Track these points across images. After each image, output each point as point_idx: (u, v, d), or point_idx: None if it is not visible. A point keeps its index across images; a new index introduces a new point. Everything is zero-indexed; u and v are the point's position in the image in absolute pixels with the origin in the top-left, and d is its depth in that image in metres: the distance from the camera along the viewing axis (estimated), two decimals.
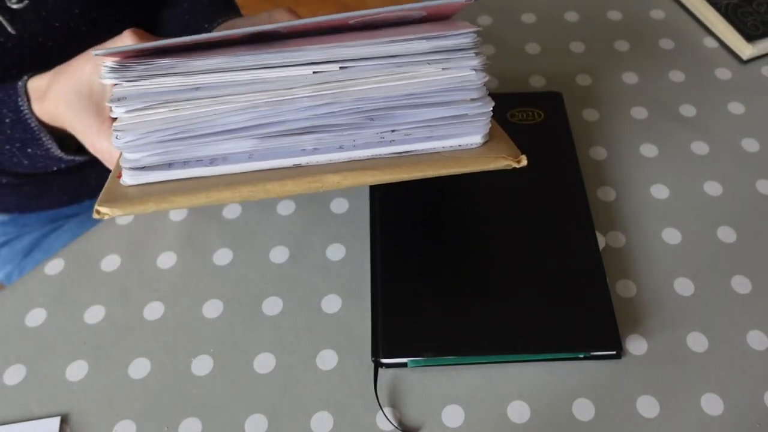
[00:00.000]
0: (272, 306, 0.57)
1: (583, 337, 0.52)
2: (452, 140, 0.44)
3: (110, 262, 0.60)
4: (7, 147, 0.55)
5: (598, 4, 0.79)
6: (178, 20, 0.67)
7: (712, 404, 0.51)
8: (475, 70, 0.43)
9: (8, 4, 0.55)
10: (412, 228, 0.58)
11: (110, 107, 0.42)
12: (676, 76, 0.72)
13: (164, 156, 0.42)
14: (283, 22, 0.42)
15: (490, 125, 0.45)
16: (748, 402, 0.51)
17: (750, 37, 0.72)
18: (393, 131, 0.44)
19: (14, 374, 0.54)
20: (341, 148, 0.43)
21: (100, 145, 0.50)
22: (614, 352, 0.52)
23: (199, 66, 0.41)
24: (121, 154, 0.43)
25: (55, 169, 0.59)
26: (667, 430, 0.50)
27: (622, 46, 0.75)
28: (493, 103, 0.44)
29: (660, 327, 0.55)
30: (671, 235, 0.60)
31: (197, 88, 0.41)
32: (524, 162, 0.44)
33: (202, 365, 0.54)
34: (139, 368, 0.54)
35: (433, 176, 0.44)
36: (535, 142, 0.64)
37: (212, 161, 0.43)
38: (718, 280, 0.58)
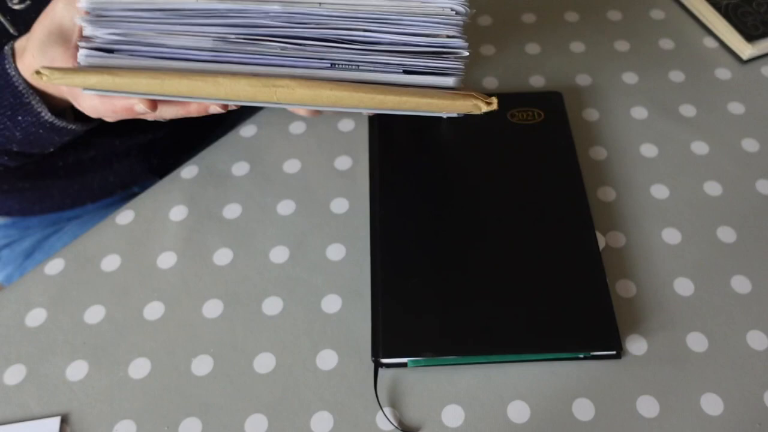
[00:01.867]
0: (272, 306, 0.57)
1: (583, 337, 0.52)
2: (424, 77, 0.43)
3: (110, 262, 0.60)
4: None
5: (598, 4, 0.79)
6: None
7: (712, 404, 0.51)
8: (454, 7, 0.42)
9: (10, 5, 0.55)
10: (412, 228, 0.58)
11: None
12: (676, 76, 0.72)
13: (123, 38, 0.42)
14: None
15: (463, 70, 0.44)
16: (748, 402, 0.51)
17: (750, 37, 0.72)
18: (365, 52, 0.42)
19: (14, 374, 0.54)
20: (307, 67, 0.42)
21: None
22: (614, 352, 0.53)
23: None
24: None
25: (51, 148, 0.57)
26: (667, 430, 0.50)
27: (622, 46, 0.75)
28: (467, 49, 0.43)
29: (660, 327, 0.55)
30: (671, 235, 0.60)
31: None
32: (494, 105, 0.43)
33: (202, 365, 0.54)
34: (139, 368, 0.54)
35: (395, 109, 0.42)
36: (535, 142, 0.64)
37: (171, 57, 0.43)
38: (718, 280, 0.58)
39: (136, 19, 0.43)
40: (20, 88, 0.51)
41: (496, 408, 0.51)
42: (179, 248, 0.61)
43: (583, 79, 0.72)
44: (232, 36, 0.42)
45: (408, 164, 0.63)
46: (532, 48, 0.75)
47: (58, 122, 0.53)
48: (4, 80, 0.51)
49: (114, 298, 0.58)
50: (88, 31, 0.43)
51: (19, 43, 0.51)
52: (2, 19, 0.55)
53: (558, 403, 0.52)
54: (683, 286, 0.57)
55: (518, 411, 0.51)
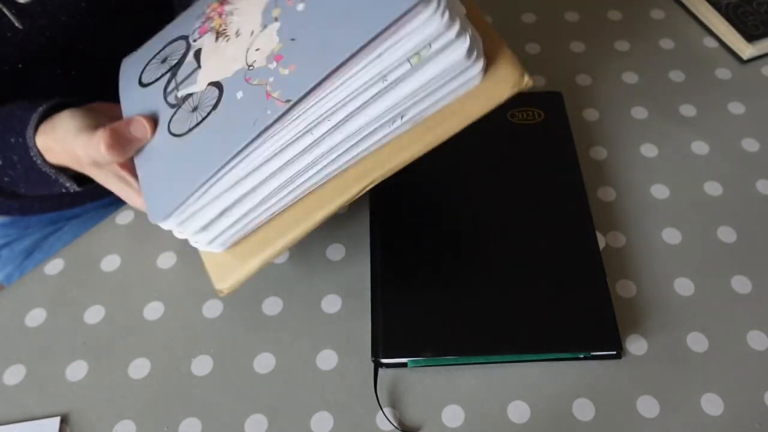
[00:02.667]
0: (272, 306, 0.57)
1: (583, 337, 0.52)
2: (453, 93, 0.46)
3: (110, 262, 0.60)
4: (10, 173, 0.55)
5: (598, 4, 0.79)
6: None
7: (712, 404, 0.51)
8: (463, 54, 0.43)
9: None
10: (412, 228, 0.58)
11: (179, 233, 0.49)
12: (676, 76, 0.72)
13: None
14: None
15: (483, 60, 0.45)
16: (748, 402, 0.51)
17: (750, 37, 0.72)
18: (402, 117, 0.46)
19: (14, 374, 0.54)
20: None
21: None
22: (614, 352, 0.52)
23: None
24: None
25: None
26: (667, 430, 0.50)
27: (622, 46, 0.75)
28: (478, 41, 0.45)
29: (660, 327, 0.55)
30: (671, 235, 0.60)
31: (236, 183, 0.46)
32: (530, 83, 0.46)
33: (202, 365, 0.54)
34: (139, 368, 0.54)
35: (456, 131, 0.47)
36: (535, 142, 0.64)
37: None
38: (718, 280, 0.58)
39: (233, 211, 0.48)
40: (50, 174, 0.54)
41: (496, 408, 0.51)
42: (179, 248, 0.61)
43: (583, 79, 0.72)
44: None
45: (408, 164, 0.62)
46: (532, 48, 0.75)
47: (76, 188, 0.56)
48: (28, 162, 0.53)
49: (114, 298, 0.58)
50: (188, 236, 0.49)
51: (44, 143, 0.52)
52: (8, 14, 0.55)
53: (558, 403, 0.52)
54: (683, 286, 0.57)
55: (518, 411, 0.51)
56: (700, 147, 0.66)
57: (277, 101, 0.42)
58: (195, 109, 0.46)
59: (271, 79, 0.44)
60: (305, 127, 0.43)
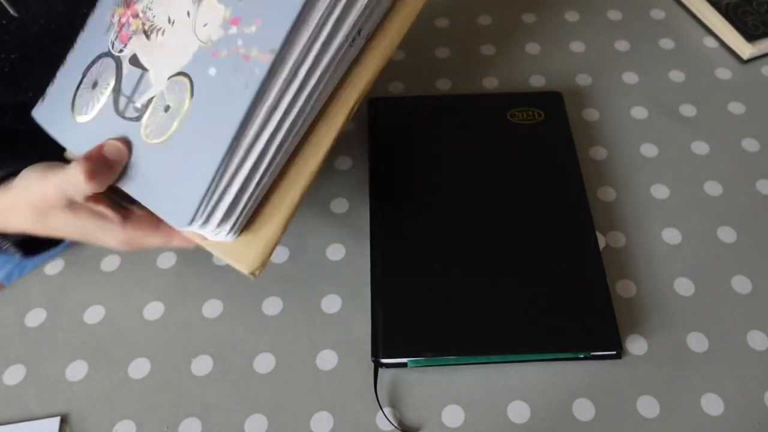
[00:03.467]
0: (272, 306, 0.57)
1: (583, 337, 0.52)
2: None
3: (110, 262, 0.60)
4: None
5: (598, 4, 0.79)
6: None
7: (712, 404, 0.51)
8: None
9: None
10: (412, 228, 0.58)
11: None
12: (676, 76, 0.72)
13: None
14: None
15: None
16: (748, 402, 0.51)
17: (750, 36, 0.72)
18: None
19: (14, 374, 0.54)
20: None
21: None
22: (614, 352, 0.53)
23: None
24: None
25: None
26: (667, 430, 0.50)
27: (622, 46, 0.75)
28: None
29: (660, 327, 0.55)
30: (671, 235, 0.60)
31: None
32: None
33: (202, 365, 0.54)
34: (139, 368, 0.54)
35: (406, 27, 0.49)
36: (535, 142, 0.64)
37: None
38: (718, 280, 0.58)
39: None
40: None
41: (496, 408, 0.51)
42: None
43: (583, 79, 0.72)
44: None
45: (408, 164, 0.63)
46: (532, 48, 0.75)
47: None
48: None
49: (114, 298, 0.58)
50: (211, 230, 0.47)
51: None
52: (3, 1, 0.55)
53: (558, 403, 0.52)
54: (683, 286, 0.57)
55: (518, 411, 0.51)
56: (700, 147, 0.66)
57: (261, 57, 0.42)
58: (167, 108, 0.45)
59: (239, 42, 0.43)
60: (291, 69, 0.43)
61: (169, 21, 0.46)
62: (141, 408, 0.52)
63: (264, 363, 0.54)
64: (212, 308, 0.57)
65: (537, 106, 0.66)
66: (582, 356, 0.53)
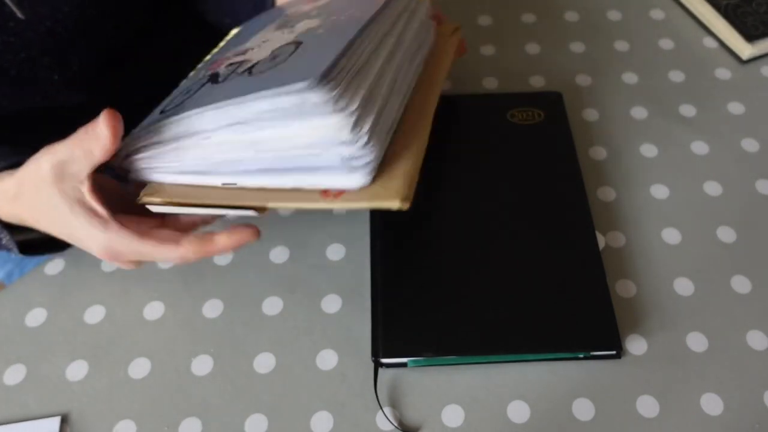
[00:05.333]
0: (272, 306, 0.57)
1: (583, 337, 0.52)
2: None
3: (110, 262, 0.60)
4: None
5: (598, 4, 0.79)
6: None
7: (712, 404, 0.51)
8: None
9: None
10: (412, 228, 0.58)
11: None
12: (676, 76, 0.72)
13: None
14: None
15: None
16: (748, 402, 0.51)
17: (750, 37, 0.72)
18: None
19: (14, 374, 0.54)
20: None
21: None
22: (614, 352, 0.53)
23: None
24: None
25: None
26: (667, 430, 0.50)
27: (622, 46, 0.75)
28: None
29: (660, 327, 0.55)
30: (671, 235, 0.60)
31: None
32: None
33: (202, 365, 0.54)
34: (139, 368, 0.54)
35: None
36: (535, 142, 0.64)
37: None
38: (718, 280, 0.58)
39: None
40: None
41: (496, 408, 0.52)
42: None
43: (583, 79, 0.72)
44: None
45: None
46: (532, 48, 0.75)
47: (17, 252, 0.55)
48: None
49: (114, 298, 0.58)
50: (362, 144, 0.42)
51: (3, 186, 0.49)
52: (9, 2, 0.55)
53: (558, 403, 0.52)
54: (683, 286, 0.57)
55: (518, 411, 0.51)
56: (700, 147, 0.66)
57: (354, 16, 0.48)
58: (275, 57, 0.46)
59: (327, 23, 0.48)
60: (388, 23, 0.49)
61: (256, 52, 0.49)
62: (141, 408, 0.52)
63: (264, 363, 0.54)
64: (212, 308, 0.57)
65: (537, 106, 0.66)
66: (582, 356, 0.53)
